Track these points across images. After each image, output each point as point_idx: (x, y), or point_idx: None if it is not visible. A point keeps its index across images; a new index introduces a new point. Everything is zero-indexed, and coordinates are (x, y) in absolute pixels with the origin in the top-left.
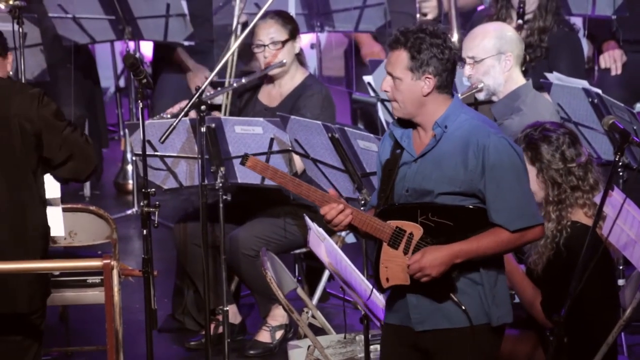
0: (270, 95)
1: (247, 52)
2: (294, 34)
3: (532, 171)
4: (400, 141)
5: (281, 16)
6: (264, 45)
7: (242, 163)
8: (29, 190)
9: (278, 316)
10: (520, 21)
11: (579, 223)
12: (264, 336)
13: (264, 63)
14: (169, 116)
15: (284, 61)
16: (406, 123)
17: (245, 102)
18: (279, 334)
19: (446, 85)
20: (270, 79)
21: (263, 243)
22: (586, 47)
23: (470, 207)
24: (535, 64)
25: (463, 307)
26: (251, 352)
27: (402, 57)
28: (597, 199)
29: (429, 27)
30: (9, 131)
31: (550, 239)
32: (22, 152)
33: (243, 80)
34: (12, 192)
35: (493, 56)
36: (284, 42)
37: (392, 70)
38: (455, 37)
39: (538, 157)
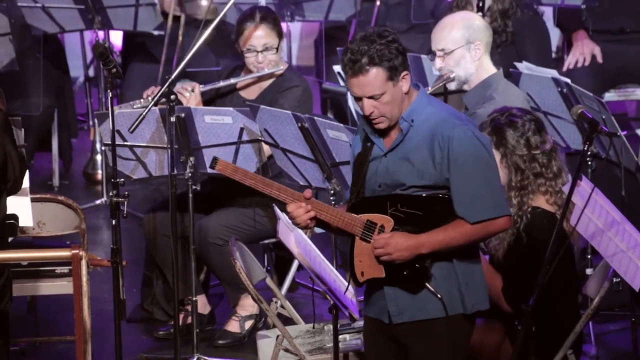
0: (249, 88)
1: (217, 42)
2: (282, 35)
3: (496, 155)
4: (370, 135)
5: (270, 19)
6: (257, 51)
7: (212, 167)
8: None
9: (247, 306)
10: (480, 14)
11: (540, 209)
12: (233, 326)
13: (257, 67)
14: (141, 103)
15: (281, 68)
16: None
17: (223, 95)
18: (248, 324)
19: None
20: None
21: (231, 232)
22: (557, 36)
23: (439, 196)
24: (502, 49)
25: (439, 296)
26: (220, 342)
27: (378, 74)
28: (566, 189)
29: (372, 33)
30: None
31: (511, 224)
32: None
33: (232, 81)
34: None
35: (463, 46)
36: (277, 47)
37: (372, 91)
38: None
39: (503, 142)
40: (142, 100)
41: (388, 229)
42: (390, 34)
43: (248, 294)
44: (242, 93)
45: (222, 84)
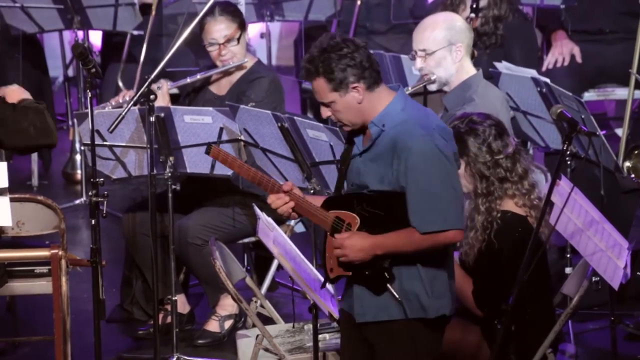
0: (219, 84)
1: (196, 41)
2: (244, 26)
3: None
4: (353, 135)
5: (229, 11)
6: (219, 44)
7: (207, 152)
8: None
9: (227, 306)
10: (472, 15)
11: (510, 212)
12: (212, 326)
13: (221, 60)
14: (112, 105)
15: (246, 60)
16: None
17: (195, 91)
18: (228, 324)
19: (375, 80)
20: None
21: (211, 232)
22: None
23: (401, 197)
24: (491, 51)
25: (398, 298)
26: (200, 341)
27: (321, 84)
28: (546, 188)
29: (329, 42)
30: None
31: (480, 231)
32: None
33: (198, 76)
34: None
35: (444, 48)
36: (239, 38)
37: (322, 98)
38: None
39: (465, 151)
40: (112, 102)
41: (354, 227)
42: (348, 45)
43: (228, 294)
44: (213, 89)
45: (189, 80)
